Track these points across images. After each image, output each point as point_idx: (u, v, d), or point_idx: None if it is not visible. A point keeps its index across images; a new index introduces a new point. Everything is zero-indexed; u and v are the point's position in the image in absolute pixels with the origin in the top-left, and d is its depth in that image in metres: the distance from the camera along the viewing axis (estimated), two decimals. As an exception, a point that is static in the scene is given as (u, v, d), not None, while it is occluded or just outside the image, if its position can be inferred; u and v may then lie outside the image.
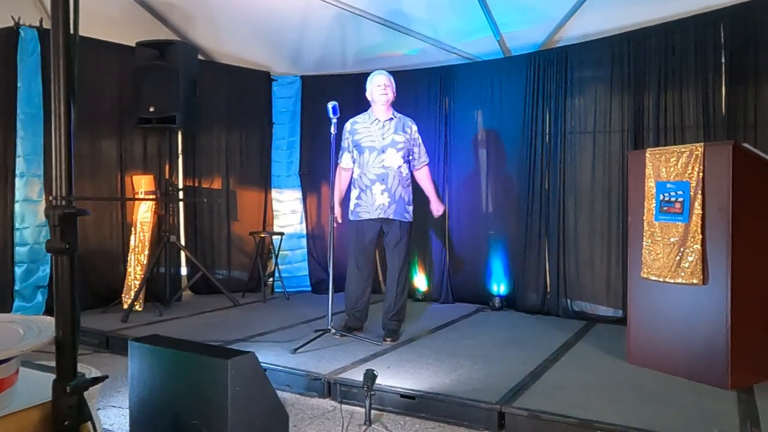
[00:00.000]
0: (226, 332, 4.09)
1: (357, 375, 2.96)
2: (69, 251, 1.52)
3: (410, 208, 3.99)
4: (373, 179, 3.89)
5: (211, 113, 5.60)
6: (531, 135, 4.90)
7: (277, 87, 6.01)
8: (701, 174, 2.98)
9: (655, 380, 3.08)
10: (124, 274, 4.94)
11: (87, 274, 4.81)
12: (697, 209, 2.99)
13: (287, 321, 4.45)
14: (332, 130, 3.82)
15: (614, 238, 4.53)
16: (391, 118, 3.97)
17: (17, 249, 4.45)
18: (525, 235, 4.93)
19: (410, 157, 4.02)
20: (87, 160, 4.88)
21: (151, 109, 4.72)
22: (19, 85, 4.41)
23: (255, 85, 5.93)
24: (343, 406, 2.96)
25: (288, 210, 6.04)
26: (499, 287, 5.09)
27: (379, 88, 3.92)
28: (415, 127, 4.05)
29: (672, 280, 3.10)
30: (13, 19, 4.39)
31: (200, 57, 5.47)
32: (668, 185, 3.12)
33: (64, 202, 1.53)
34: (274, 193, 6.05)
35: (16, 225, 4.45)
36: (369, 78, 4.01)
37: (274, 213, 6.05)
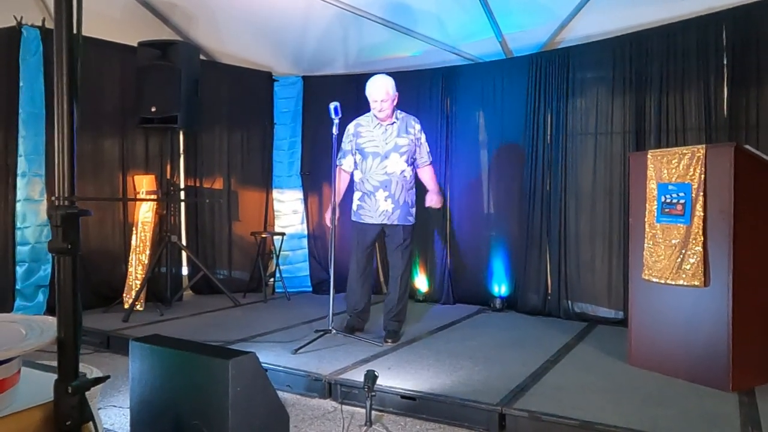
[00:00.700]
0: (227, 332, 4.09)
1: (358, 376, 2.96)
2: (71, 251, 1.52)
3: (413, 211, 3.98)
4: (377, 186, 3.87)
5: (212, 113, 5.60)
6: (533, 136, 4.89)
7: (278, 87, 6.01)
8: (703, 176, 2.98)
9: (656, 382, 3.07)
10: (126, 273, 4.95)
11: (88, 273, 4.81)
12: (699, 211, 2.99)
13: (288, 321, 4.46)
14: (334, 130, 3.82)
15: (615, 239, 4.52)
16: (394, 122, 3.92)
17: (18, 248, 4.45)
18: (526, 237, 4.93)
19: (413, 158, 3.98)
20: (89, 160, 4.89)
21: (153, 109, 4.72)
22: (21, 84, 4.42)
23: (257, 85, 5.94)
24: (344, 406, 2.95)
25: (289, 210, 6.04)
26: (500, 288, 5.09)
27: (375, 104, 3.85)
28: (418, 126, 3.98)
29: (673, 282, 3.10)
30: (15, 18, 4.40)
31: (202, 57, 5.47)
32: (670, 187, 3.12)
33: (66, 203, 1.53)
34: (276, 194, 6.05)
35: (18, 224, 4.46)
36: (367, 83, 3.90)
37: (276, 213, 6.05)
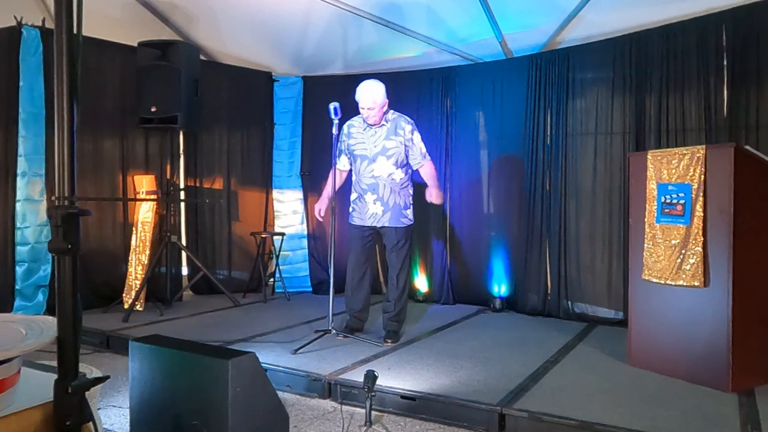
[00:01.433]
0: (226, 332, 4.09)
1: (357, 376, 2.96)
2: (71, 251, 1.52)
3: (408, 212, 3.95)
4: (365, 189, 3.90)
5: (212, 113, 5.60)
6: (532, 136, 4.90)
7: (278, 87, 6.01)
8: (703, 176, 2.98)
9: (655, 382, 3.07)
10: (125, 273, 4.95)
11: (88, 273, 4.81)
12: (699, 211, 2.99)
13: (288, 321, 4.46)
14: (334, 130, 3.82)
15: (615, 240, 4.53)
16: (383, 125, 3.87)
17: (18, 248, 4.46)
18: (526, 237, 4.93)
19: (406, 161, 3.91)
20: (89, 160, 4.89)
21: (153, 109, 4.72)
22: (21, 84, 4.42)
23: (257, 85, 5.94)
24: (344, 406, 2.96)
25: (289, 210, 6.04)
26: (500, 288, 5.09)
27: (363, 111, 3.84)
28: (409, 127, 3.87)
29: (673, 282, 3.10)
30: (15, 18, 4.40)
31: (202, 57, 5.47)
32: (670, 187, 3.12)
33: (66, 203, 1.53)
34: (275, 194, 6.05)
35: (18, 224, 4.46)
36: (357, 88, 3.84)
37: (275, 213, 6.06)
